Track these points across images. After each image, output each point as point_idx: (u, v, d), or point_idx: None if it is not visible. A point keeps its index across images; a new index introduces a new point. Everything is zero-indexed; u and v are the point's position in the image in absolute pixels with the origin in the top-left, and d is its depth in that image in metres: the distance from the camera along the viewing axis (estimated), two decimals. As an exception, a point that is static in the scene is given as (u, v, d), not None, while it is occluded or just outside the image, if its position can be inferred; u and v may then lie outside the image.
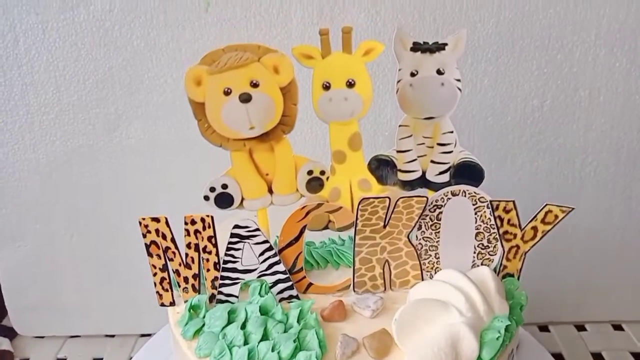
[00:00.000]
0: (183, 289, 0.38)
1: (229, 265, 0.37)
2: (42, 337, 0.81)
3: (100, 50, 0.64)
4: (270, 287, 0.37)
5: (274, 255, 0.37)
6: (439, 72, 0.36)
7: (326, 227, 0.40)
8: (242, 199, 0.38)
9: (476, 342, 0.32)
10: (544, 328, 0.79)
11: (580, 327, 0.80)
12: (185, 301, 0.38)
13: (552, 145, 0.69)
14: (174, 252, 0.37)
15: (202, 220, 0.36)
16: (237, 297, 0.38)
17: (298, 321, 0.35)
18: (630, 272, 0.77)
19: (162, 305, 0.39)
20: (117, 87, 0.67)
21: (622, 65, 0.65)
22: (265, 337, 0.34)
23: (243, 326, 0.35)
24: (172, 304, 0.39)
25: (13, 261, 0.77)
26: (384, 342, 0.34)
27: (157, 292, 0.38)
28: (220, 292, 0.38)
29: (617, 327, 0.80)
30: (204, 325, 0.36)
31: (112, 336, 0.79)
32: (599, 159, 0.69)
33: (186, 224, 0.36)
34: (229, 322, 0.35)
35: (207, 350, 0.34)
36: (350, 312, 0.37)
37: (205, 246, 0.36)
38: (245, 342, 0.34)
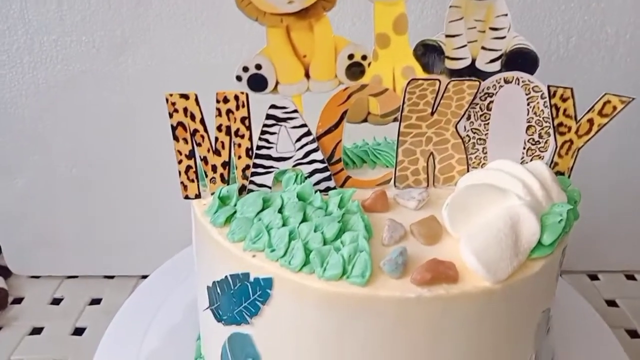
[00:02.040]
0: (210, 179, 0.35)
1: (263, 152, 0.34)
2: (38, 277, 0.78)
3: (105, -33, 0.60)
4: (306, 178, 0.34)
5: (312, 141, 0.34)
6: (496, -55, 0.33)
7: (365, 120, 0.37)
8: (277, 83, 0.35)
9: (537, 223, 0.29)
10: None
11: (593, 277, 0.79)
12: (212, 193, 0.35)
13: (575, 83, 0.67)
14: (202, 136, 0.34)
15: (236, 97, 0.32)
16: (270, 188, 0.35)
17: (339, 208, 0.32)
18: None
19: (187, 197, 0.36)
20: (124, 9, 0.64)
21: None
22: (304, 221, 0.31)
23: (280, 211, 0.32)
24: (198, 196, 0.36)
25: (9, 196, 0.73)
26: (433, 228, 0.31)
27: (182, 182, 0.35)
28: (251, 182, 0.35)
29: (630, 277, 0.79)
30: (235, 212, 0.33)
31: (112, 277, 0.76)
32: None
33: (218, 102, 0.33)
34: (264, 208, 0.32)
35: (242, 234, 0.31)
36: (393, 204, 0.34)
37: (238, 129, 0.33)
38: (284, 225, 0.31)
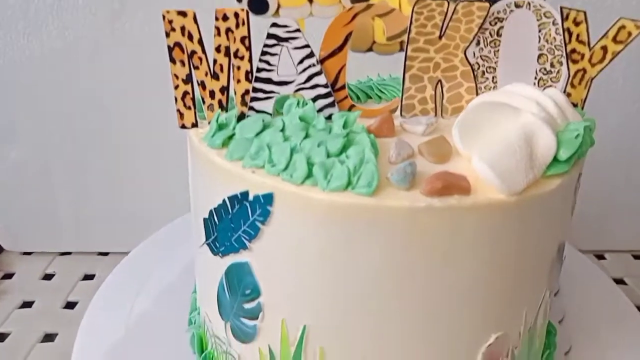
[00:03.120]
0: (208, 106, 0.34)
1: (263, 75, 0.32)
2: (30, 253, 0.76)
3: None
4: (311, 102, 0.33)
5: (316, 64, 0.32)
6: None
7: (370, 49, 0.36)
8: (278, 6, 0.34)
9: (553, 137, 0.28)
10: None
11: (600, 257, 0.77)
12: (209, 122, 0.33)
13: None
14: (200, 58, 0.32)
15: (236, 15, 0.31)
16: (270, 115, 0.33)
17: (343, 129, 0.30)
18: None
19: (183, 127, 0.34)
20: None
21: None
22: (307, 138, 0.30)
23: (281, 131, 0.30)
24: (195, 125, 0.34)
25: (2, 169, 0.72)
26: (443, 147, 0.30)
27: (178, 110, 0.34)
28: (251, 109, 0.33)
29: (637, 257, 0.77)
30: (234, 134, 0.31)
31: (106, 254, 0.74)
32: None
33: (217, 19, 0.31)
34: (264, 129, 0.31)
35: (241, 153, 0.29)
36: (400, 130, 0.33)
37: (237, 50, 0.32)
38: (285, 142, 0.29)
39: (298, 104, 0.33)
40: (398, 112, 0.34)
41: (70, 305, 0.65)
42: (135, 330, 0.42)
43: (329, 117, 0.33)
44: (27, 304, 0.66)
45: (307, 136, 0.30)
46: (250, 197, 0.29)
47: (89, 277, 0.70)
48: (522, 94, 0.30)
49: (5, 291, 0.69)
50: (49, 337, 0.61)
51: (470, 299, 0.29)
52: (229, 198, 0.30)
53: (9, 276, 0.71)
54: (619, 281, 0.71)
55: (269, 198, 0.28)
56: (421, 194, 0.27)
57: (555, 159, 0.28)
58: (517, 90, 0.31)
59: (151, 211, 0.70)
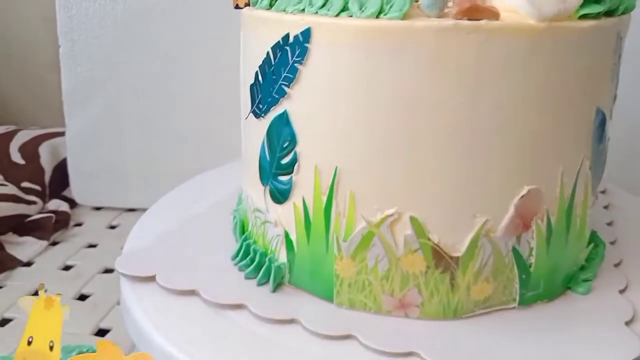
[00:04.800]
0: (260, -14, 0.37)
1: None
2: (100, 208, 0.81)
3: None
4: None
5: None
6: None
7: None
8: None
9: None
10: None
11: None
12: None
13: None
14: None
15: None
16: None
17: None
18: None
19: (237, 7, 0.37)
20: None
21: None
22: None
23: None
24: (247, 4, 0.37)
25: (80, 125, 0.78)
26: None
27: (233, -10, 0.37)
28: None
29: None
30: None
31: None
32: None
33: None
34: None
35: (285, 4, 0.32)
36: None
37: None
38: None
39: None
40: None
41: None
42: (186, 224, 0.45)
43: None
44: (92, 246, 0.71)
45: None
46: (291, 39, 0.31)
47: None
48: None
49: (74, 235, 0.74)
50: (108, 270, 0.65)
51: (502, 136, 0.29)
52: (272, 48, 0.32)
53: (79, 224, 0.77)
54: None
55: (306, 35, 0.30)
56: (451, 18, 0.28)
57: (586, 1, 0.29)
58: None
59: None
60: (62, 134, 0.84)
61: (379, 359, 0.31)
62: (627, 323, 0.33)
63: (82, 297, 0.61)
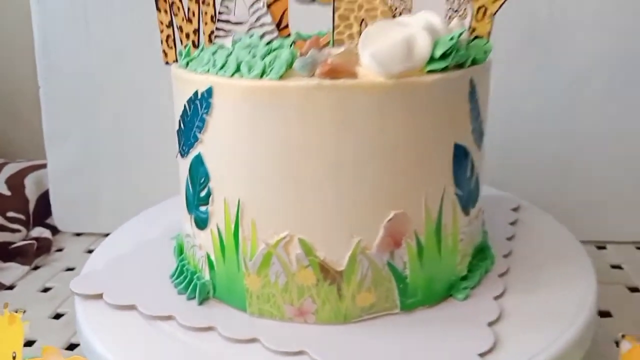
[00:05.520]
0: (185, 46, 0.44)
1: (223, 17, 0.42)
2: (81, 234, 0.88)
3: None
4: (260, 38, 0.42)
5: (262, 9, 0.42)
6: None
7: (313, 0, 0.45)
8: (239, -31, 0.44)
9: (430, 40, 0.35)
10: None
11: (602, 247, 0.78)
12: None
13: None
14: (178, 7, 0.43)
15: (203, -29, 0.42)
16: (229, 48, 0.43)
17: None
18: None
19: (167, 63, 0.45)
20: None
21: None
22: (245, 52, 0.39)
23: (230, 51, 0.40)
24: (175, 60, 0.44)
25: (60, 159, 0.86)
26: (350, 57, 0.37)
27: (163, 50, 0.44)
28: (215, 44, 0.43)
29: (640, 249, 0.77)
30: (196, 57, 0.41)
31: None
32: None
33: (189, -24, 0.42)
34: (217, 51, 0.40)
35: (195, 65, 0.39)
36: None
37: (205, -1, 0.42)
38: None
39: (250, 38, 0.42)
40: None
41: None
42: (139, 248, 0.51)
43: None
44: (70, 269, 0.78)
45: (246, 50, 0.39)
46: (199, 95, 0.38)
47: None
48: (419, 17, 0.38)
49: (54, 259, 0.81)
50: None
51: (366, 170, 0.36)
52: (187, 101, 0.39)
53: (60, 250, 0.84)
54: (616, 267, 0.72)
55: (209, 92, 0.37)
56: (315, 77, 0.34)
57: (432, 58, 0.35)
58: (419, 15, 0.39)
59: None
60: (44, 165, 0.91)
61: (278, 358, 0.37)
62: (490, 323, 0.39)
63: (57, 316, 0.67)
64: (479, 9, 0.41)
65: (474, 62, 0.39)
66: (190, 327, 0.40)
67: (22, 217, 0.86)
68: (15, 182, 0.91)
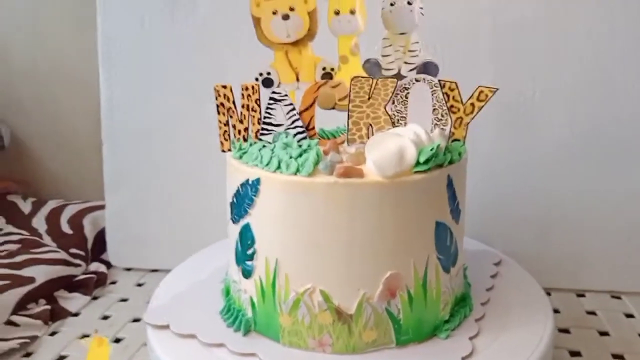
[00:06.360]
0: (237, 138, 0.58)
1: (267, 120, 0.57)
2: (130, 268, 1.02)
3: None
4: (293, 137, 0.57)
5: (296, 115, 0.57)
6: (409, 3, 0.57)
7: (333, 107, 0.60)
8: (279, 83, 0.59)
9: (415, 150, 0.49)
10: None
11: (581, 295, 0.89)
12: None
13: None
14: (233, 111, 0.58)
15: (253, 87, 0.57)
16: (270, 143, 0.57)
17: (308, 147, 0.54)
18: (627, 242, 0.87)
19: (223, 151, 0.59)
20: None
21: None
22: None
23: (272, 149, 0.54)
24: (229, 149, 0.59)
25: (116, 203, 1.01)
26: (359, 157, 0.52)
27: (220, 141, 0.59)
28: (260, 139, 0.57)
29: (616, 297, 0.88)
30: (247, 151, 0.56)
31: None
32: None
33: (243, 89, 0.57)
34: (263, 148, 0.55)
35: (247, 159, 0.54)
36: (342, 151, 0.55)
37: (253, 106, 0.57)
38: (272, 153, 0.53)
39: (286, 137, 0.57)
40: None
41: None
42: (193, 287, 0.66)
43: (301, 143, 0.57)
44: (124, 300, 0.92)
45: (285, 150, 0.53)
46: (250, 182, 0.52)
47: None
48: (410, 129, 0.52)
49: (110, 291, 0.95)
50: (136, 320, 0.86)
51: (371, 244, 0.50)
52: (240, 185, 0.54)
53: (113, 282, 0.98)
54: (591, 312, 0.83)
55: (257, 181, 0.52)
56: (334, 176, 0.49)
57: (418, 162, 0.49)
58: (410, 127, 0.53)
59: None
60: (100, 207, 1.07)
61: (300, 378, 0.50)
62: (464, 357, 0.52)
63: (117, 340, 0.81)
64: (456, 119, 0.55)
65: (451, 162, 0.53)
66: (237, 353, 0.54)
67: (82, 253, 1.01)
68: (76, 222, 1.07)
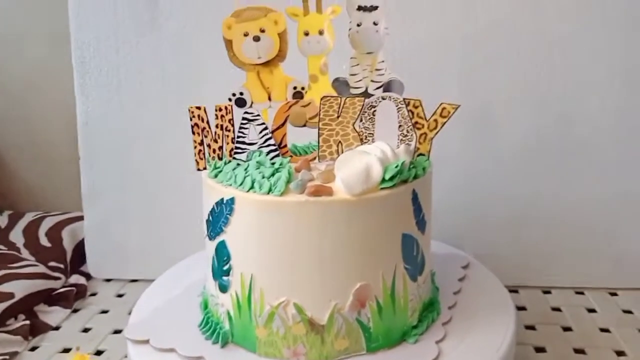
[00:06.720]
0: (212, 157, 0.60)
1: (240, 139, 0.59)
2: (110, 279, 1.03)
3: None
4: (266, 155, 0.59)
5: (268, 134, 0.59)
6: (375, 24, 0.59)
7: (304, 125, 0.62)
8: (252, 103, 0.61)
9: (381, 168, 0.52)
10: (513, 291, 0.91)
11: (547, 292, 0.93)
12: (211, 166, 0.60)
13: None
14: (208, 131, 0.60)
15: (226, 108, 0.59)
16: (244, 161, 0.60)
17: (280, 165, 0.56)
18: (589, 240, 0.91)
19: (198, 169, 0.61)
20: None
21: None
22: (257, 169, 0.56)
23: (245, 168, 0.56)
24: (205, 168, 0.61)
25: (95, 215, 1.02)
26: (329, 175, 0.54)
27: (196, 160, 0.61)
28: (234, 158, 0.60)
29: (579, 293, 0.93)
30: (221, 170, 0.58)
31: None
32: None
33: (216, 110, 0.59)
34: (237, 167, 0.57)
35: (222, 178, 0.56)
36: (313, 167, 0.58)
37: (227, 126, 0.59)
38: (245, 171, 0.55)
39: (259, 155, 0.59)
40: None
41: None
42: (170, 301, 0.67)
43: (274, 161, 0.59)
44: (104, 312, 0.93)
45: (258, 169, 0.56)
46: (224, 201, 0.55)
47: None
48: (376, 146, 0.55)
49: (90, 303, 0.96)
50: (117, 331, 0.87)
51: (341, 258, 0.52)
52: (215, 203, 0.56)
53: (94, 294, 0.99)
54: (556, 309, 0.88)
55: (232, 200, 0.54)
56: (305, 195, 0.51)
57: (384, 179, 0.52)
58: (376, 144, 0.56)
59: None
60: (78, 218, 1.08)
61: (278, 387, 0.53)
62: (431, 361, 0.55)
63: (98, 353, 0.82)
64: (421, 135, 0.58)
65: (416, 177, 0.55)
66: (215, 365, 0.56)
67: (61, 266, 1.02)
68: (54, 234, 1.08)
